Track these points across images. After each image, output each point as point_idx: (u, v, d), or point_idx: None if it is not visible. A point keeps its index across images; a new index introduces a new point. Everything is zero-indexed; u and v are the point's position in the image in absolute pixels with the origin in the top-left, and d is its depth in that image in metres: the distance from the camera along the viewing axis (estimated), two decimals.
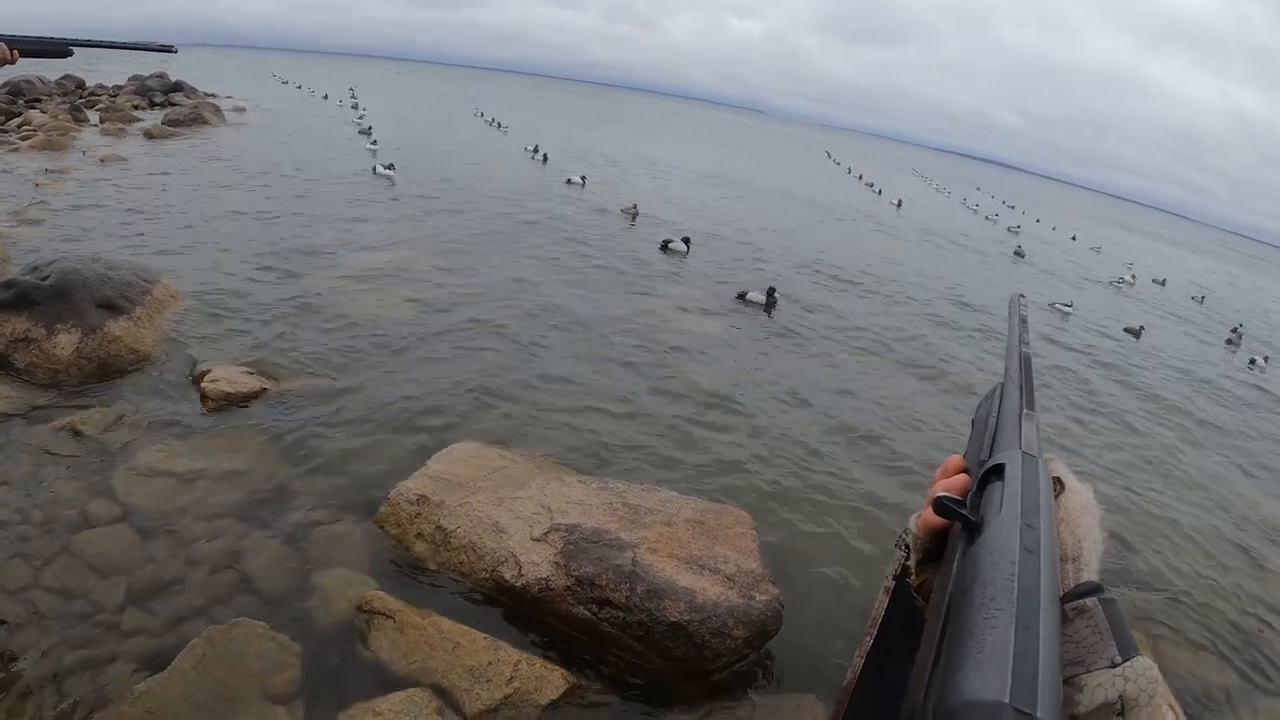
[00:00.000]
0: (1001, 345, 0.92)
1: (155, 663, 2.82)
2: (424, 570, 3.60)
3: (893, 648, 0.56)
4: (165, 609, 3.12)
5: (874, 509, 4.98)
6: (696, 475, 4.96)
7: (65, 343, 5.01)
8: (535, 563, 3.44)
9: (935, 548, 0.59)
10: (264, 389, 5.05)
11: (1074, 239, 31.03)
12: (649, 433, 5.47)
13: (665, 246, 11.73)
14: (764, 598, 3.36)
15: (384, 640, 3.10)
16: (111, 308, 5.40)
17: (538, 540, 3.55)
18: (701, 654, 3.19)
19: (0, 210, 8.43)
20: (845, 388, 7.33)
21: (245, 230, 9.12)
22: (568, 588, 3.35)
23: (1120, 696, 0.42)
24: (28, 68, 18.53)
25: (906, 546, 0.63)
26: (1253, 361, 13.24)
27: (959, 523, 0.51)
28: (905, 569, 0.62)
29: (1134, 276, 20.76)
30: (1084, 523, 0.55)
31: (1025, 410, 0.62)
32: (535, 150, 21.65)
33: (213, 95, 24.96)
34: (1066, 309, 13.59)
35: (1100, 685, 0.43)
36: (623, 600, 3.26)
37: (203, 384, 4.92)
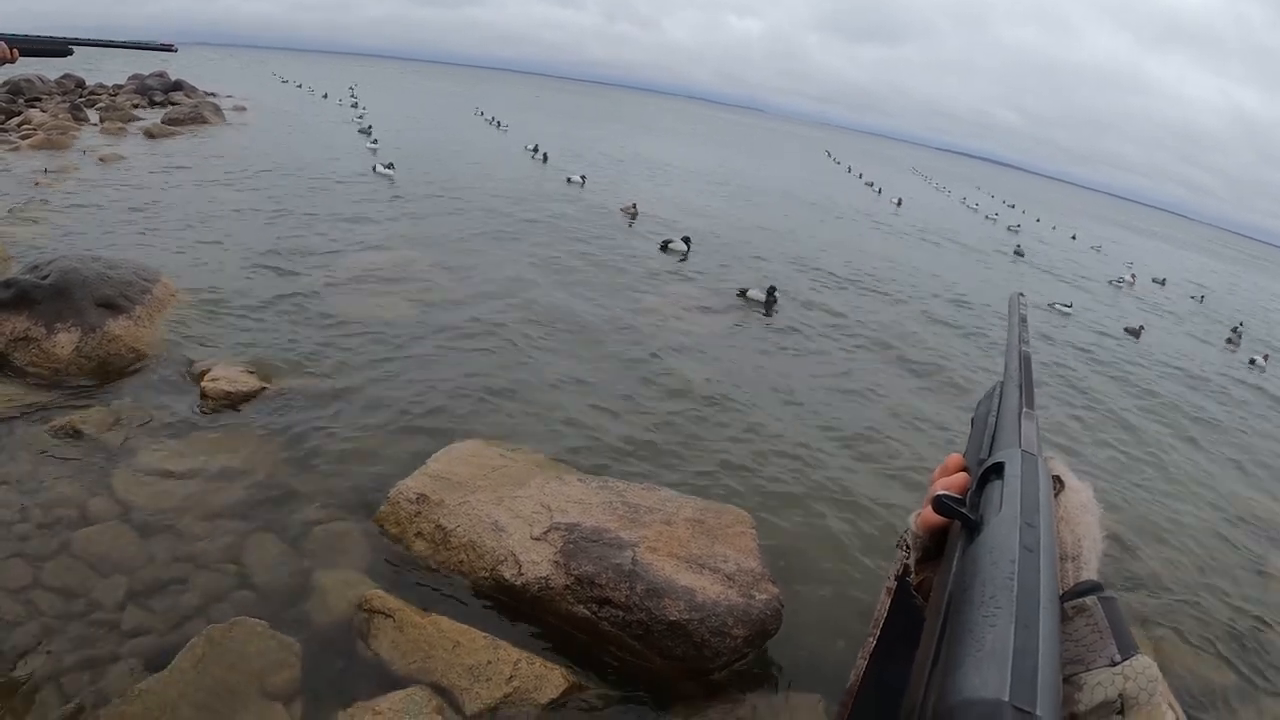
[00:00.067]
0: (1001, 344, 0.92)
1: (155, 661, 2.83)
2: (424, 569, 3.60)
3: (895, 648, 0.56)
4: (165, 608, 3.13)
5: (874, 508, 4.98)
6: (696, 474, 4.96)
7: (65, 342, 5.01)
8: (535, 561, 3.44)
9: (935, 546, 0.58)
10: (264, 388, 5.05)
11: (1074, 238, 31.03)
12: (649, 431, 5.47)
13: (665, 246, 11.73)
14: (764, 597, 3.36)
15: (384, 639, 3.10)
16: (111, 307, 5.40)
17: (537, 539, 3.55)
18: (701, 653, 3.19)
19: (0, 209, 8.43)
20: (845, 386, 7.33)
21: (245, 229, 9.12)
22: (567, 586, 3.35)
23: (1120, 695, 0.42)
24: (28, 67, 18.55)
25: (908, 547, 0.62)
26: (1252, 361, 13.24)
27: (959, 521, 0.51)
28: (907, 569, 0.62)
29: (1134, 276, 20.75)
30: (1084, 521, 0.55)
31: (1025, 409, 0.62)
32: (535, 149, 21.65)
33: (213, 94, 24.96)
34: (1066, 309, 13.59)
35: (1100, 684, 0.43)
36: (622, 599, 3.26)
37: (203, 383, 4.92)
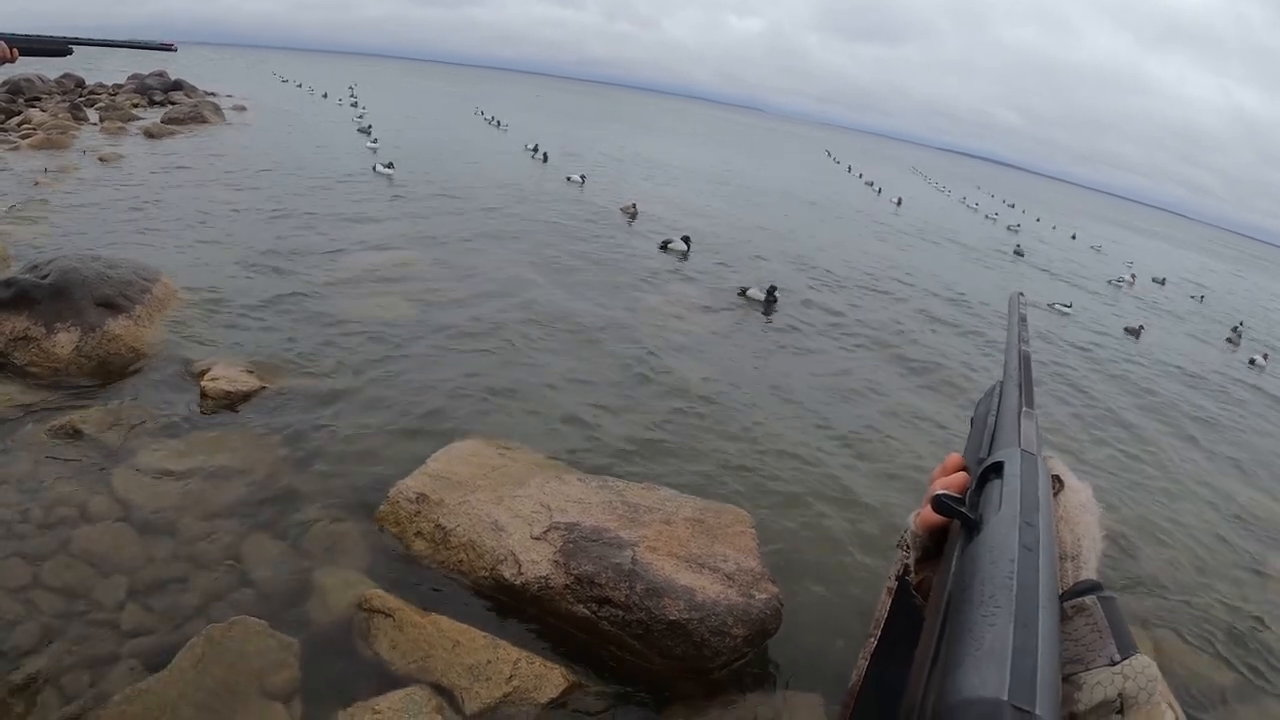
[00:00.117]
0: (1000, 344, 0.93)
1: (155, 661, 2.83)
2: (423, 568, 3.60)
3: (896, 648, 0.56)
4: (165, 607, 3.13)
5: (874, 507, 4.98)
6: (696, 473, 4.96)
7: (65, 341, 5.01)
8: (534, 561, 3.44)
9: (935, 546, 0.59)
10: (263, 387, 5.05)
11: (1074, 238, 31.02)
12: (648, 431, 5.47)
13: (665, 246, 11.72)
14: (763, 596, 3.36)
15: (383, 638, 3.10)
16: (111, 306, 5.40)
17: (537, 539, 3.55)
18: (701, 652, 3.19)
19: (0, 208, 8.43)
20: (845, 386, 7.33)
21: (245, 229, 9.12)
22: (567, 586, 3.35)
23: (1119, 694, 0.42)
24: (27, 66, 18.54)
25: (908, 547, 0.63)
26: (1252, 361, 13.23)
27: (958, 521, 0.51)
28: (907, 568, 0.62)
29: (1133, 276, 20.75)
30: (1083, 521, 0.55)
31: (1024, 408, 0.62)
32: (535, 149, 21.65)
33: (213, 94, 24.97)
34: (1065, 309, 13.59)
35: (1099, 683, 0.43)
36: (622, 599, 3.26)
37: (203, 382, 4.92)
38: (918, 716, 0.39)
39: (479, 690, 2.91)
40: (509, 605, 3.43)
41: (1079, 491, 0.57)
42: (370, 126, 21.25)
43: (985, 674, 0.36)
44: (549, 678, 3.01)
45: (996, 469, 0.54)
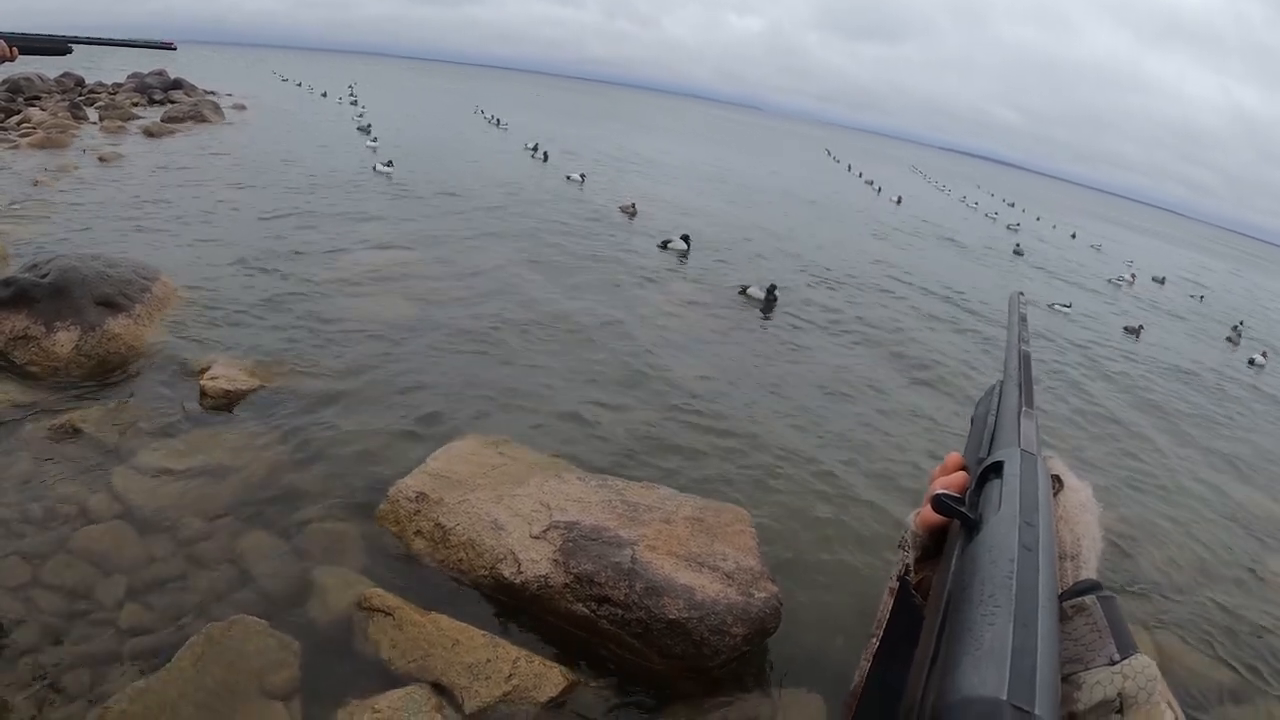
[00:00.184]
0: (1000, 343, 0.93)
1: (154, 660, 2.83)
2: (423, 567, 3.60)
3: (898, 649, 0.56)
4: (165, 606, 3.13)
5: (873, 506, 4.98)
6: (695, 472, 4.96)
7: (64, 340, 5.01)
8: (534, 560, 3.44)
9: (934, 545, 0.59)
10: (263, 386, 5.05)
11: (1074, 237, 31.02)
12: (648, 430, 5.47)
13: (665, 244, 11.72)
14: (763, 595, 3.36)
15: (383, 637, 3.10)
16: (111, 305, 5.40)
17: (536, 537, 3.55)
18: (700, 651, 3.19)
19: None
20: (844, 385, 7.33)
21: (244, 228, 9.12)
22: (566, 585, 3.35)
23: (1119, 694, 0.42)
24: (27, 65, 18.52)
25: (909, 547, 0.63)
26: (1252, 360, 13.23)
27: (958, 520, 0.51)
28: (908, 569, 0.62)
29: (1133, 275, 20.75)
30: (1083, 520, 0.55)
31: (1024, 408, 0.62)
32: (535, 148, 21.63)
33: (212, 93, 24.95)
34: (1065, 309, 13.58)
35: (1099, 683, 0.43)
36: (621, 597, 3.26)
37: (202, 381, 4.92)
38: (917, 716, 0.39)
39: (478, 689, 2.91)
40: (508, 604, 3.43)
41: (1079, 491, 0.57)
42: (370, 125, 21.24)
43: (985, 673, 0.36)
44: (548, 676, 3.01)
45: (996, 468, 0.54)
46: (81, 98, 19.99)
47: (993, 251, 20.49)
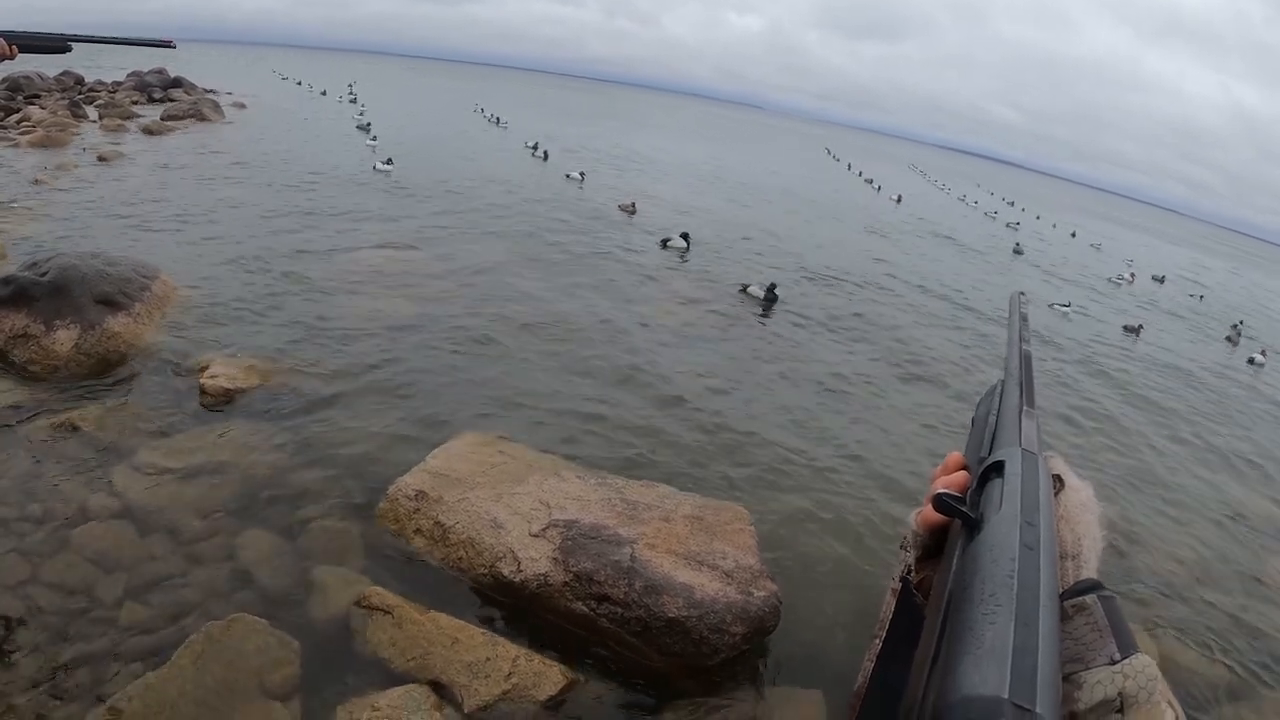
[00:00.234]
0: (1000, 342, 0.93)
1: (154, 659, 2.83)
2: (422, 566, 3.60)
3: (900, 649, 0.56)
4: (164, 604, 3.13)
5: (873, 506, 4.99)
6: (695, 470, 4.96)
7: (64, 339, 5.01)
8: (533, 558, 3.44)
9: (935, 544, 0.59)
10: (263, 385, 5.05)
11: (1073, 235, 31.01)
12: (648, 428, 5.47)
13: (664, 243, 11.72)
14: (762, 594, 3.36)
15: (383, 636, 3.10)
16: (110, 304, 5.40)
17: (536, 536, 3.55)
18: (699, 649, 3.19)
19: None
20: (843, 383, 7.33)
21: (244, 226, 9.11)
22: (566, 583, 3.35)
23: (1119, 694, 0.42)
24: (27, 63, 18.50)
25: (910, 547, 0.63)
26: (1252, 360, 13.24)
27: (959, 519, 0.51)
28: (910, 569, 0.62)
29: (1133, 274, 20.75)
30: (1084, 520, 0.55)
31: (1025, 408, 0.62)
32: (535, 147, 21.62)
33: (212, 91, 24.92)
34: (1064, 308, 13.58)
35: (1099, 682, 0.43)
36: (621, 596, 3.27)
37: (202, 380, 4.92)
38: (919, 715, 0.39)
39: (478, 687, 2.91)
40: (508, 602, 3.43)
41: (1080, 490, 0.57)
42: (370, 124, 21.22)
43: (986, 672, 0.36)
44: (548, 675, 3.01)
45: (997, 468, 0.54)
46: (81, 96, 19.98)
47: (992, 250, 20.49)
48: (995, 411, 0.66)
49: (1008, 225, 28.19)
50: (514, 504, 3.76)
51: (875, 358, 8.38)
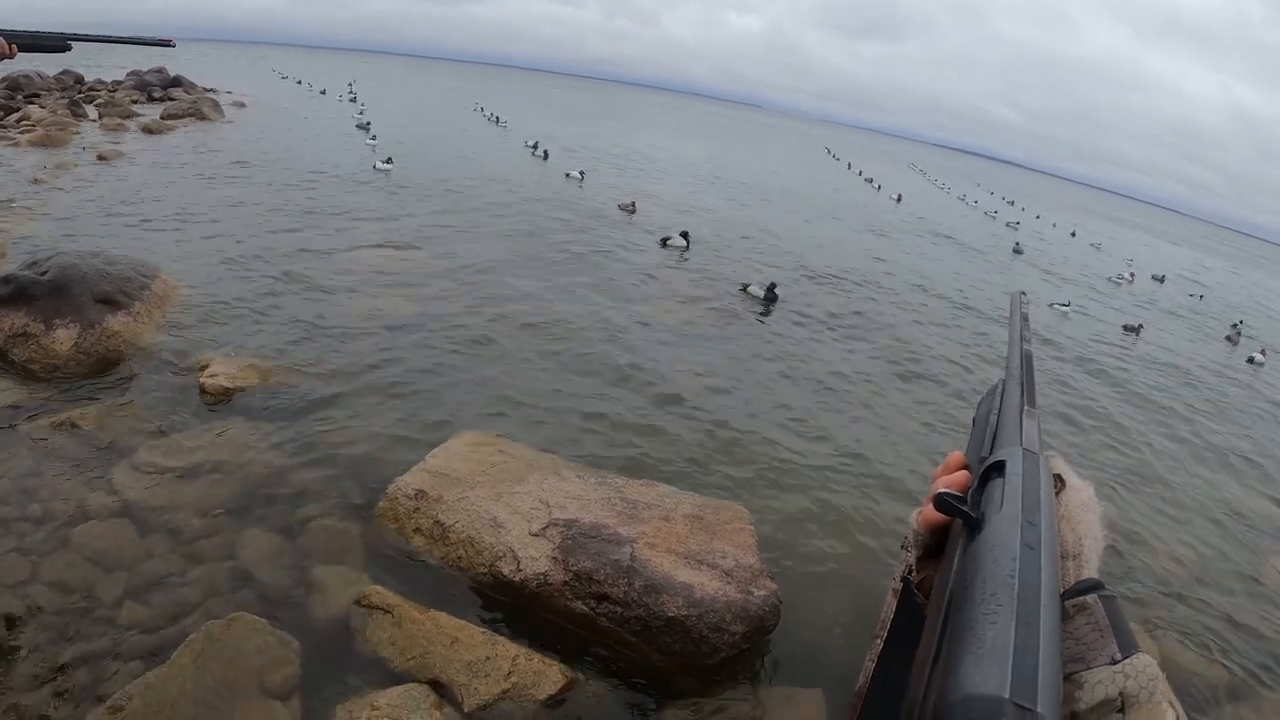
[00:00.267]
0: (1001, 342, 0.93)
1: (154, 658, 2.82)
2: (422, 565, 3.60)
3: (901, 649, 0.56)
4: (164, 604, 3.13)
5: (873, 505, 4.99)
6: (694, 470, 4.96)
7: (64, 338, 5.01)
8: (533, 558, 3.44)
9: (936, 544, 0.59)
10: (262, 384, 5.05)
11: (1073, 235, 31.00)
12: (648, 427, 5.47)
13: (665, 242, 11.72)
14: (762, 593, 3.36)
15: (382, 635, 3.10)
16: (110, 303, 5.40)
17: (536, 535, 3.55)
18: (699, 649, 3.19)
19: None
20: (843, 383, 7.33)
21: (244, 225, 9.11)
22: (566, 583, 3.35)
23: (1120, 693, 0.42)
24: (26, 63, 18.50)
25: (911, 547, 0.63)
26: (1251, 359, 13.24)
27: (960, 519, 0.51)
28: (911, 569, 0.62)
29: (1133, 274, 20.75)
30: (1085, 520, 0.55)
31: (1026, 407, 0.62)
32: (535, 146, 21.61)
33: (212, 90, 24.90)
34: (1064, 308, 13.58)
35: (1100, 682, 0.43)
36: (620, 595, 3.27)
37: (202, 379, 4.92)
38: (919, 714, 0.39)
39: (478, 686, 2.91)
40: (508, 602, 3.43)
41: (1081, 490, 0.57)
42: (369, 123, 21.22)
43: (987, 671, 0.36)
44: (547, 674, 3.01)
45: (998, 468, 0.54)
46: (81, 95, 19.97)
47: (992, 249, 20.49)
48: (996, 411, 0.65)
49: (1008, 224, 28.19)
50: (514, 503, 3.76)
51: (875, 357, 8.38)
